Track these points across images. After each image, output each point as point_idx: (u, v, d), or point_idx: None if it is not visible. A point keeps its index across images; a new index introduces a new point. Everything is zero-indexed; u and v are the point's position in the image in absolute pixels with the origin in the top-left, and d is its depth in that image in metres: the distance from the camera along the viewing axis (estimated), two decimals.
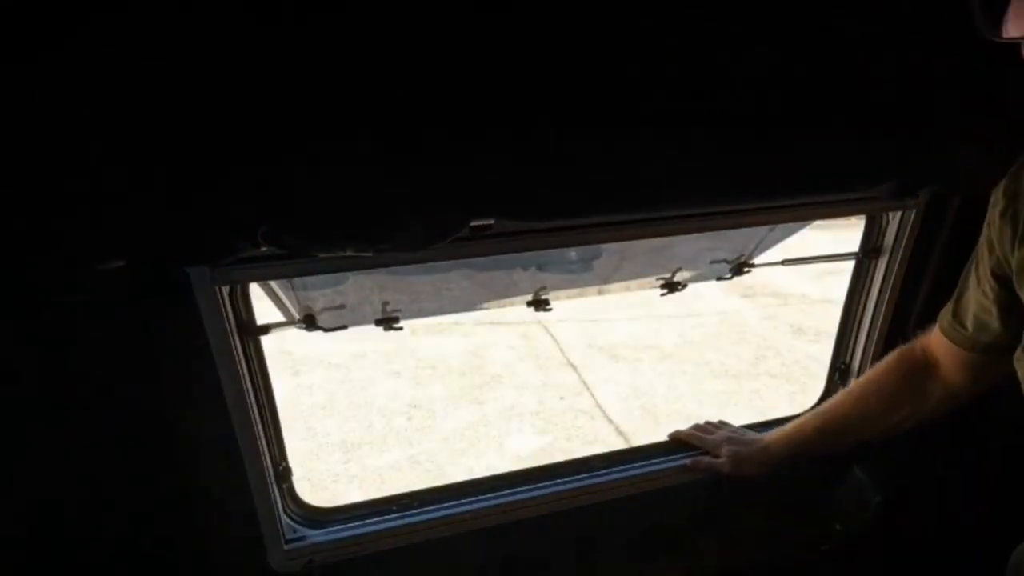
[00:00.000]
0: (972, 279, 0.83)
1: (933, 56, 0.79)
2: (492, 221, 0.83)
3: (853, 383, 1.04)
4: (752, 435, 1.13)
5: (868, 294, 1.20)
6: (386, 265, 0.91)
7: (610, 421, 3.89)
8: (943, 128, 0.88)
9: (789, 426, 1.08)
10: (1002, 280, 0.78)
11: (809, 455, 1.07)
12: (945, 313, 0.89)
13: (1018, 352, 0.74)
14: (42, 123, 0.61)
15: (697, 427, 1.20)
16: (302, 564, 1.03)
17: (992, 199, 0.78)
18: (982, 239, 0.81)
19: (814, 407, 1.35)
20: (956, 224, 1.10)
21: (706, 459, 1.13)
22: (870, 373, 1.01)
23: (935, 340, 0.91)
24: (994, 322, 0.80)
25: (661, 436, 1.29)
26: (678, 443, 1.22)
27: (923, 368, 0.93)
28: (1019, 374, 0.74)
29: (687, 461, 1.14)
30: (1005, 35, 0.54)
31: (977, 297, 0.82)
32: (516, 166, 0.75)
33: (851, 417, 1.00)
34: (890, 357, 0.98)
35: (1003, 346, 0.80)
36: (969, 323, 0.84)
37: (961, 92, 0.83)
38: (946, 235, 1.10)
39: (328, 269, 0.91)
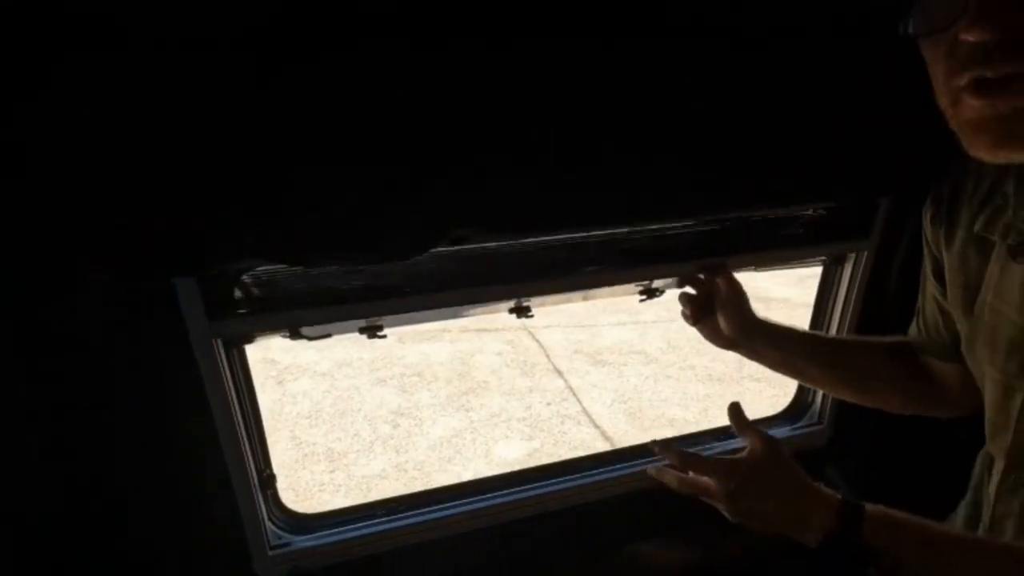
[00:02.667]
0: (927, 287, 0.85)
1: (889, 72, 0.83)
2: (471, 232, 0.85)
3: (862, 341, 0.95)
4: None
5: (835, 299, 1.23)
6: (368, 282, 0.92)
7: (596, 426, 3.91)
8: (900, 139, 0.92)
9: (781, 330, 0.98)
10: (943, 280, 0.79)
11: (778, 357, 0.97)
12: (912, 326, 0.90)
13: (964, 346, 0.76)
14: (34, 137, 0.62)
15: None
16: (287, 570, 1.04)
17: (925, 206, 0.81)
18: (924, 247, 0.83)
19: (786, 408, 1.38)
20: (917, 230, 1.14)
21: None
22: (881, 341, 0.93)
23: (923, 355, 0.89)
24: (950, 323, 0.81)
25: (646, 439, 1.32)
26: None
27: (917, 362, 0.90)
28: (969, 366, 0.77)
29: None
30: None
31: (931, 303, 0.84)
32: (494, 182, 0.78)
33: (846, 364, 0.93)
34: (896, 342, 0.91)
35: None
36: (932, 333, 0.85)
37: (913, 105, 0.87)
38: (908, 241, 1.14)
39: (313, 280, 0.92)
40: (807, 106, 0.86)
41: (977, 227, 0.70)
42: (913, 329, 0.89)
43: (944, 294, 0.80)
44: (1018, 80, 0.48)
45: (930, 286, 0.84)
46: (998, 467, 0.74)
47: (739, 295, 0.99)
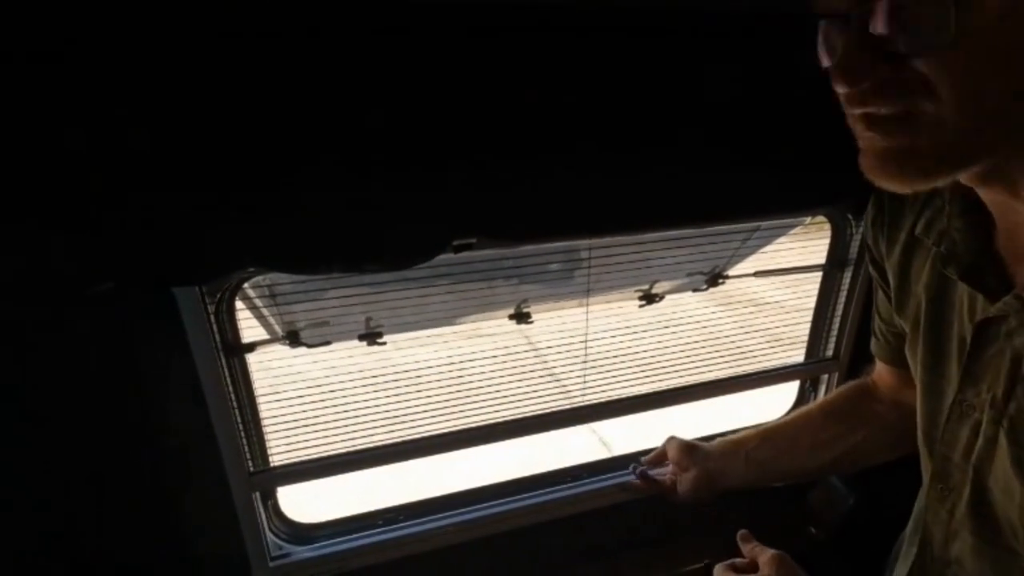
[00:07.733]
0: (878, 291, 0.83)
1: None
2: (475, 240, 0.85)
3: (806, 408, 0.97)
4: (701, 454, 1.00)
5: (836, 304, 1.24)
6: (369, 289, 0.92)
7: (592, 430, 3.90)
8: None
9: (731, 439, 0.98)
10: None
11: (755, 481, 0.97)
12: (871, 335, 0.89)
13: (906, 349, 0.75)
14: (28, 146, 0.62)
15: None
16: None
17: (866, 210, 0.79)
18: (866, 252, 0.81)
19: (785, 414, 1.38)
20: None
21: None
22: (826, 397, 0.97)
23: (877, 365, 0.90)
24: (898, 327, 0.79)
25: (641, 445, 1.32)
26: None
27: (873, 391, 0.91)
28: (910, 365, 0.75)
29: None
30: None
31: (884, 307, 0.82)
32: (496, 189, 0.78)
33: (801, 435, 0.94)
34: (844, 385, 0.96)
35: None
36: (889, 338, 0.84)
37: None
38: None
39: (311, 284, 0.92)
40: (804, 113, 0.86)
41: (918, 230, 0.69)
42: (872, 340, 0.89)
43: (889, 298, 0.78)
44: (902, 119, 0.47)
45: (880, 291, 0.82)
46: (927, 475, 0.72)
47: (685, 449, 0.99)
